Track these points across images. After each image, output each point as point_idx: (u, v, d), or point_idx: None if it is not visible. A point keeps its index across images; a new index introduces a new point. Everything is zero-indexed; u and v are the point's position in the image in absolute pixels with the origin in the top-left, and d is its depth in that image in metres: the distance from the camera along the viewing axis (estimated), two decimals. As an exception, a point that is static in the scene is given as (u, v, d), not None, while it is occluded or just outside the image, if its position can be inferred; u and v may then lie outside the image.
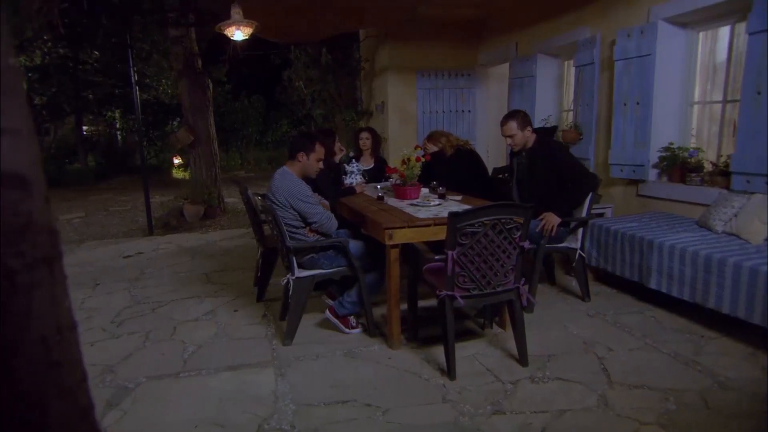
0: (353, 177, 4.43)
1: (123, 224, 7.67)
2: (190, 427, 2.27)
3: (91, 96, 14.40)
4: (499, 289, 2.67)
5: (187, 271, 4.84)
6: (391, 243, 2.82)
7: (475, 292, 2.63)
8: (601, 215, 4.26)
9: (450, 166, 4.09)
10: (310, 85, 14.51)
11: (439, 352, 2.90)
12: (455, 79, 7.21)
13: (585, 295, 3.64)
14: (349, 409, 2.39)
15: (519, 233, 2.58)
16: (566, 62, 5.80)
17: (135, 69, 6.16)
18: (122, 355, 3.03)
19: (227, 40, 5.26)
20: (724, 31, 3.89)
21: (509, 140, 3.53)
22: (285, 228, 3.00)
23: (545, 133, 3.65)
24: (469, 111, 7.30)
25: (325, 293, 3.70)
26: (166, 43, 6.86)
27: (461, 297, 2.59)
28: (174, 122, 15.16)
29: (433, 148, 4.16)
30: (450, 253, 2.51)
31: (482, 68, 7.23)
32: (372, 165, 4.83)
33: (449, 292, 2.59)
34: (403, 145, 6.77)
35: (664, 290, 3.24)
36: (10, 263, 0.57)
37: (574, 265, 3.60)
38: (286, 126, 16.88)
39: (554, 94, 5.89)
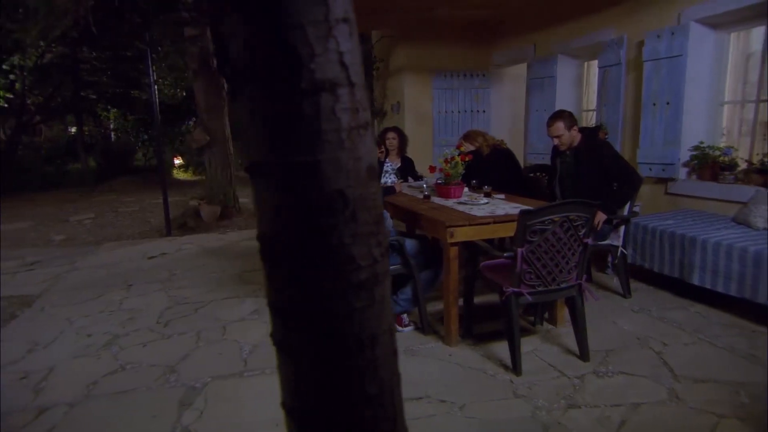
0: (388, 176, 4.46)
1: (135, 225, 7.60)
2: (270, 425, 2.28)
3: (92, 96, 14.19)
4: (562, 285, 2.72)
5: (217, 272, 4.82)
6: (452, 241, 2.85)
7: (540, 289, 2.68)
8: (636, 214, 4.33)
9: (487, 165, 4.13)
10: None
11: (497, 348, 2.94)
12: (470, 80, 7.27)
13: (626, 292, 3.70)
14: (425, 406, 2.41)
15: (584, 230, 2.63)
16: (586, 63, 5.89)
17: (154, 68, 6.10)
18: (179, 356, 3.02)
19: None
20: (758, 32, 3.98)
21: (556, 140, 3.59)
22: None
23: (590, 133, 3.71)
24: (484, 111, 7.36)
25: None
26: (183, 42, 6.79)
27: (527, 293, 2.64)
28: (189, 122, 15.00)
29: (469, 147, 4.20)
30: (519, 250, 2.55)
31: (497, 69, 7.30)
32: (399, 164, 4.86)
33: (516, 289, 2.63)
34: (420, 145, 6.83)
35: (708, 286, 3.31)
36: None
37: (615, 262, 3.67)
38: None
39: (574, 95, 5.97)
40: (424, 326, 3.19)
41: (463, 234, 2.87)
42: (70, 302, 4.04)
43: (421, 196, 3.71)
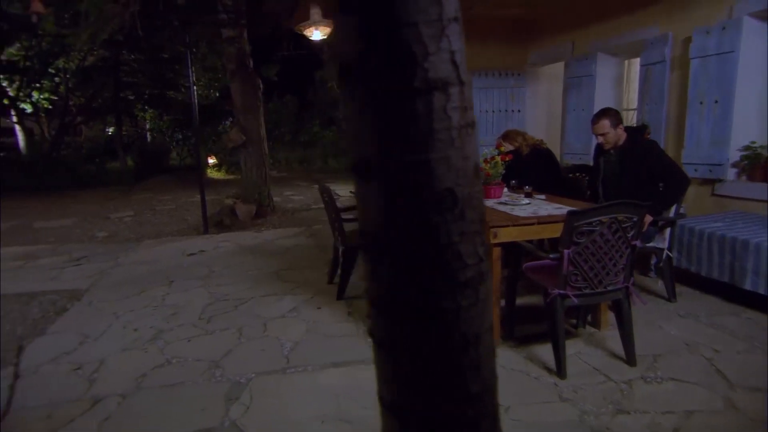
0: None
1: (173, 223, 7.78)
2: (317, 422, 2.30)
3: (131, 97, 14.62)
4: (609, 288, 2.66)
5: (255, 269, 4.89)
6: (495, 241, 2.82)
7: (586, 291, 2.63)
8: (683, 215, 4.21)
9: (526, 165, 4.08)
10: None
11: (539, 350, 2.90)
12: (505, 79, 7.19)
13: (671, 296, 3.60)
14: (469, 407, 2.40)
15: (633, 232, 2.57)
16: (627, 61, 5.75)
17: (192, 69, 6.24)
18: (223, 351, 3.07)
19: (277, 39, 5.33)
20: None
21: (601, 138, 3.52)
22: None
23: (636, 132, 3.62)
24: (519, 110, 7.27)
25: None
26: (221, 43, 6.93)
27: (573, 296, 2.59)
28: (226, 123, 15.34)
29: (509, 147, 4.16)
30: (566, 251, 2.50)
31: (532, 68, 7.20)
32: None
33: (561, 291, 2.59)
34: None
35: (762, 292, 3.19)
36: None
37: (660, 264, 3.57)
38: (317, 126, 16.98)
39: (614, 94, 5.84)
40: (464, 327, 3.16)
41: (506, 234, 2.84)
42: (116, 297, 4.16)
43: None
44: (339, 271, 3.99)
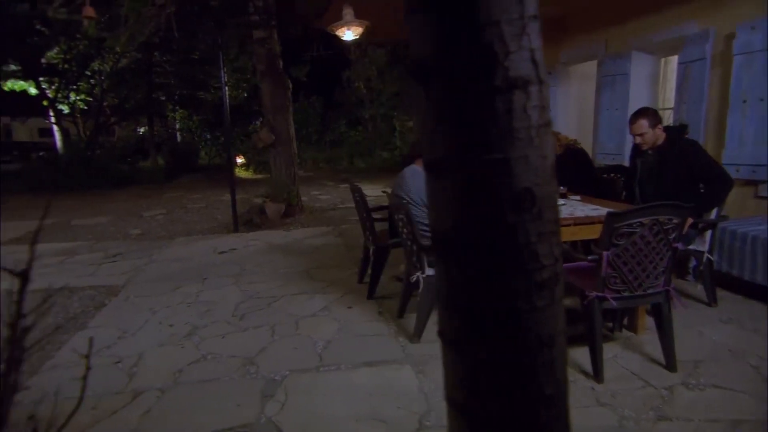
0: (456, 176, 4.42)
1: (203, 221, 7.92)
2: (352, 421, 2.31)
3: (162, 98, 14.95)
4: (649, 291, 2.60)
5: (285, 268, 4.94)
6: (531, 243, 2.78)
7: (625, 294, 2.57)
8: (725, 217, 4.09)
9: (560, 165, 4.00)
10: (370, 85, 14.66)
11: (575, 353, 2.84)
12: (535, 78, 7.11)
13: (711, 300, 3.50)
14: (504, 409, 2.37)
15: (674, 234, 2.50)
16: (664, 59, 5.61)
17: (225, 70, 6.34)
18: (257, 348, 3.11)
19: (307, 40, 5.37)
20: None
21: (638, 138, 3.44)
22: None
23: (676, 132, 3.53)
24: (549, 110, 7.17)
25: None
26: (252, 44, 7.02)
27: (611, 298, 2.54)
28: (256, 122, 15.58)
29: (542, 147, 4.09)
30: (605, 253, 2.45)
31: (563, 67, 7.09)
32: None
33: (600, 294, 2.54)
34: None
35: (809, 297, 3.07)
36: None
37: (700, 268, 3.47)
38: (343, 126, 17.06)
39: (649, 93, 5.71)
40: (497, 329, 3.13)
41: (542, 235, 2.80)
42: (151, 293, 4.25)
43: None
44: (369, 271, 4.01)
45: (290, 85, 7.46)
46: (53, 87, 14.92)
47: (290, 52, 8.01)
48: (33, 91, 15.88)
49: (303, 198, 8.90)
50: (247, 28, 6.59)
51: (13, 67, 14.62)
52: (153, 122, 16.24)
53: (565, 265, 2.93)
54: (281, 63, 7.34)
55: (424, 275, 3.06)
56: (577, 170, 4.04)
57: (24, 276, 0.70)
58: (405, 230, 3.11)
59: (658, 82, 5.69)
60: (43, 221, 0.85)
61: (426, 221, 3.08)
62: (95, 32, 4.75)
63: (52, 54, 13.74)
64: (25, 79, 15.07)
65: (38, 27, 11.67)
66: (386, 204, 4.52)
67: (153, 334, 3.37)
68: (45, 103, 15.72)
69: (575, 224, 2.82)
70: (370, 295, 3.90)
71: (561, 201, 3.36)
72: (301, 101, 17.26)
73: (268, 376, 2.75)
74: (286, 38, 7.44)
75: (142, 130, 21.98)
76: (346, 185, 12.09)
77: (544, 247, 0.57)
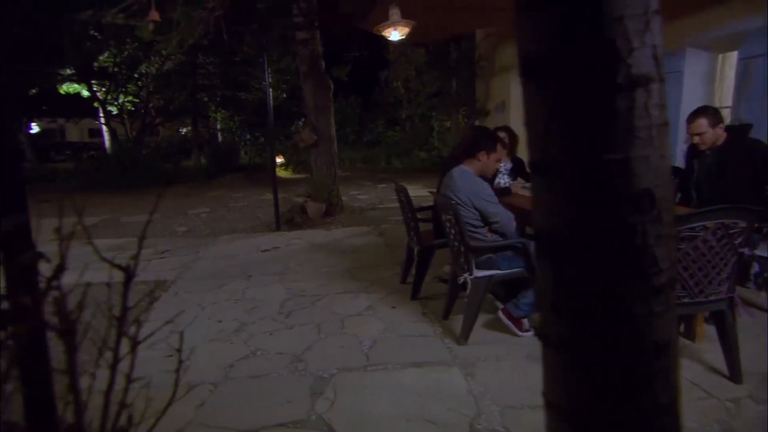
0: (501, 177, 4.36)
1: (245, 219, 8.08)
2: (402, 421, 2.30)
3: (205, 99, 15.37)
4: (711, 297, 2.49)
5: (327, 267, 4.98)
6: (584, 245, 2.71)
7: (685, 300, 2.47)
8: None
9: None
10: (408, 86, 14.64)
11: (629, 361, 2.76)
12: (581, 77, 6.95)
13: (775, 309, 3.33)
14: (557, 416, 2.32)
15: (740, 239, 2.39)
16: (721, 56, 5.38)
17: (270, 71, 6.45)
18: (304, 346, 3.14)
19: (348, 40, 5.40)
20: None
21: (697, 138, 3.30)
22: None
23: (739, 131, 3.37)
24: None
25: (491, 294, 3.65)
26: (296, 45, 7.12)
27: (672, 305, 2.44)
28: (298, 122, 15.87)
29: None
30: (666, 257, 2.36)
31: (611, 64, 6.91)
32: (510, 165, 4.73)
33: (659, 300, 2.45)
34: (524, 145, 6.63)
35: None
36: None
37: (765, 275, 3.31)
38: (381, 126, 17.11)
39: (704, 91, 5.48)
40: (546, 333, 3.07)
41: (596, 238, 2.72)
42: (199, 289, 4.37)
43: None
44: (412, 271, 4.00)
45: (332, 86, 7.53)
46: (104, 89, 15.56)
47: (331, 53, 8.09)
48: (85, 93, 16.62)
49: (342, 198, 8.97)
50: (290, 29, 6.69)
51: (68, 71, 15.35)
52: (196, 123, 16.70)
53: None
54: (323, 64, 7.42)
55: (472, 277, 3.03)
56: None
57: (127, 270, 0.72)
58: (453, 231, 3.09)
59: (714, 80, 5.46)
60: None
61: (474, 222, 3.04)
62: (150, 35, 4.93)
63: (104, 58, 14.32)
64: (78, 82, 15.78)
65: (92, 32, 12.19)
66: (430, 204, 4.50)
67: (203, 329, 3.46)
68: (96, 104, 16.41)
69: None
70: (414, 296, 3.88)
71: (614, 203, 3.26)
72: (340, 101, 17.41)
73: (316, 373, 2.77)
74: (328, 39, 7.52)
75: (184, 130, 22.66)
76: (384, 185, 12.12)
77: (663, 251, 0.55)
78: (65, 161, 24.53)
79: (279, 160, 15.85)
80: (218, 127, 21.07)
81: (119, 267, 0.73)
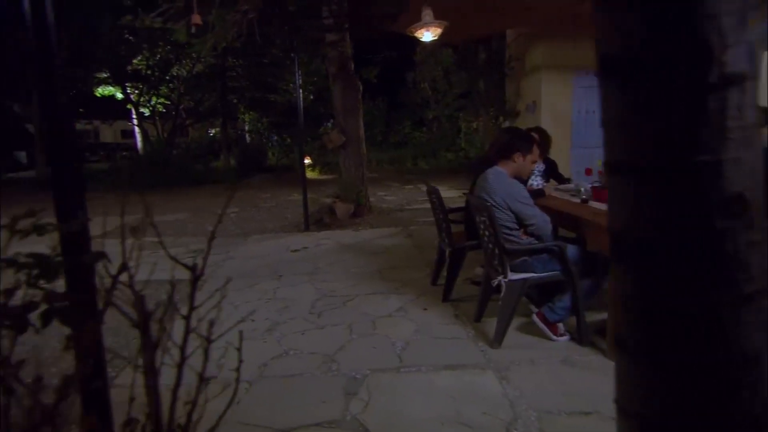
0: (534, 178, 4.30)
1: (273, 220, 8.17)
2: (437, 424, 2.29)
3: (234, 100, 15.62)
4: None
5: (357, 267, 5.00)
6: (623, 249, 2.66)
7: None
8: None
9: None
10: (435, 86, 14.60)
11: (670, 368, 2.69)
12: (614, 76, 6.81)
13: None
14: (596, 422, 2.27)
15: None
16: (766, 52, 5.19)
17: (300, 73, 6.52)
18: (336, 346, 3.16)
19: (376, 42, 5.40)
20: None
21: None
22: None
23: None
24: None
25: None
26: (325, 47, 7.18)
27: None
28: (327, 123, 16.04)
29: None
30: None
31: (646, 64, 6.76)
32: (543, 166, 4.67)
33: None
34: (555, 147, 6.53)
35: None
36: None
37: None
38: (408, 128, 17.11)
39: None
40: (582, 337, 3.01)
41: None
42: (231, 288, 4.43)
43: (577, 200, 3.53)
44: (444, 273, 3.98)
45: (361, 87, 7.56)
46: (137, 92, 15.97)
47: (360, 55, 8.12)
48: (119, 95, 17.08)
49: (370, 199, 9.00)
50: (320, 31, 6.75)
51: (103, 74, 15.81)
52: (226, 124, 17.00)
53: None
54: (352, 65, 7.46)
55: (506, 280, 3.00)
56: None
57: (194, 269, 0.73)
58: (487, 233, 3.06)
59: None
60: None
61: (509, 224, 3.01)
62: (185, 37, 5.05)
63: (137, 61, 14.70)
64: (113, 84, 16.22)
65: (127, 36, 12.53)
66: (459, 205, 4.48)
67: (236, 328, 3.50)
68: (129, 106, 16.85)
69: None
70: (446, 298, 3.86)
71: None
72: (367, 102, 17.47)
73: (349, 373, 2.78)
74: (356, 41, 7.56)
75: (212, 131, 23.08)
76: (411, 186, 12.11)
77: (754, 258, 0.52)
78: (99, 161, 25.29)
79: (306, 161, 16.00)
80: (246, 128, 21.40)
81: (186, 266, 0.74)
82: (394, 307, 3.82)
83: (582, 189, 3.53)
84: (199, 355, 1.06)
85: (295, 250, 5.85)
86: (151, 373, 0.85)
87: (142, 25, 5.42)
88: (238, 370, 1.05)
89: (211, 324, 0.91)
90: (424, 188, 11.40)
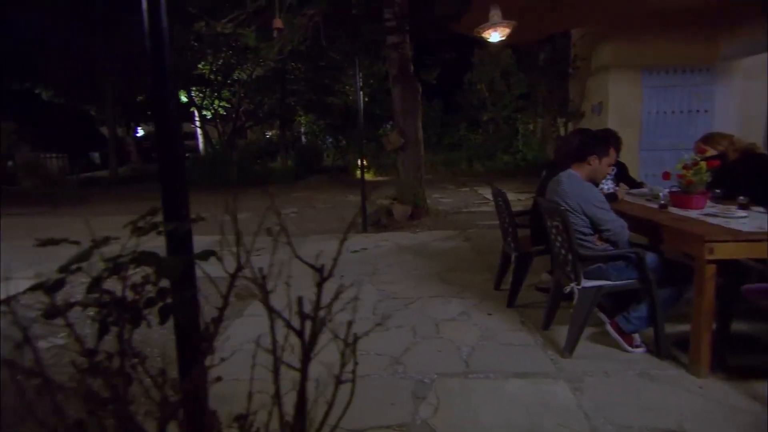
0: (606, 182, 4.13)
1: (331, 220, 8.29)
2: (510, 432, 2.24)
3: (293, 103, 16.00)
4: None
5: (416, 269, 4.98)
6: (711, 258, 2.50)
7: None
8: None
9: (734, 172, 3.58)
10: (493, 87, 14.38)
11: (760, 386, 2.51)
12: (689, 75, 6.44)
13: None
14: (682, 441, 2.15)
15: None
16: None
17: (360, 75, 6.58)
18: (401, 348, 3.15)
19: (440, 43, 5.34)
20: None
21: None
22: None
23: None
24: (706, 111, 6.47)
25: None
26: (385, 49, 7.21)
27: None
28: (387, 125, 16.23)
29: (711, 151, 3.68)
30: (815, 275, 2.12)
31: (725, 62, 6.34)
32: (614, 169, 4.48)
33: (804, 322, 2.20)
34: (623, 149, 6.27)
35: None
36: None
37: None
38: (464, 129, 16.94)
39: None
40: (660, 350, 2.86)
41: (725, 251, 2.50)
42: (295, 287, 4.50)
43: (654, 205, 3.36)
44: (508, 278, 3.89)
45: (420, 89, 7.55)
46: (200, 95, 16.66)
47: (418, 56, 8.11)
48: (183, 98, 17.86)
49: (426, 201, 8.96)
50: (382, 33, 6.79)
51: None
52: (285, 126, 17.43)
53: (753, 286, 2.59)
54: (412, 67, 7.45)
55: (579, 287, 2.89)
56: (757, 178, 3.56)
57: (321, 271, 0.74)
58: (559, 238, 2.96)
59: None
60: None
61: (584, 229, 2.91)
62: (254, 42, 5.22)
63: (201, 66, 15.33)
64: (179, 88, 16.99)
65: (193, 42, 13.10)
66: (523, 209, 4.38)
67: (282, 328, 3.56)
68: (192, 109, 17.60)
69: (770, 240, 2.48)
70: (510, 303, 3.78)
71: (743, 213, 2.98)
72: (422, 104, 17.42)
73: (416, 377, 2.77)
74: (419, 42, 7.55)
75: (269, 133, 23.72)
76: (467, 189, 11.97)
77: None
78: (164, 162, 26.49)
79: (361, 162, 16.15)
80: (302, 130, 21.86)
81: (314, 268, 0.75)
82: (457, 311, 3.78)
83: (660, 194, 3.35)
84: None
85: (355, 251, 5.90)
86: (305, 376, 0.88)
87: (213, 31, 5.65)
88: (353, 373, 1.06)
89: (349, 325, 0.93)
90: (480, 191, 11.23)
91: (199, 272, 1.34)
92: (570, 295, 2.99)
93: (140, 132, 26.60)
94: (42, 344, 3.38)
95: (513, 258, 3.79)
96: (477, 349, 3.11)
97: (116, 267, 0.97)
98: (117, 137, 18.51)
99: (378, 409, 2.47)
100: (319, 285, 0.75)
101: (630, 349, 2.94)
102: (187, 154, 23.15)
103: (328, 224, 7.92)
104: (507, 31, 4.38)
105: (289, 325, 0.94)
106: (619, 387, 2.61)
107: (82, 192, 13.91)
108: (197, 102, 16.99)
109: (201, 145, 19.41)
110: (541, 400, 2.50)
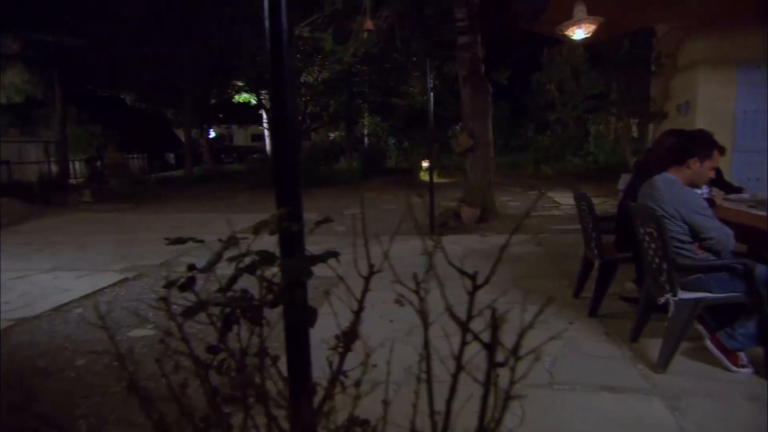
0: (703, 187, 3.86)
1: (397, 221, 8.28)
2: (604, 451, 2.12)
3: (360, 105, 16.23)
4: None
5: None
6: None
7: None
8: None
9: None
10: (562, 88, 13.90)
11: None
12: (791, 71, 5.91)
13: None
14: (804, 474, 1.94)
15: None
16: None
17: (432, 76, 6.53)
18: (482, 355, 3.07)
19: (505, 44, 5.18)
20: None
21: None
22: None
23: None
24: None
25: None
26: (456, 50, 7.13)
27: None
28: (456, 126, 16.22)
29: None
30: None
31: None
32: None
33: None
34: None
35: None
36: None
37: None
38: (531, 131, 16.50)
39: None
40: (770, 371, 2.62)
41: None
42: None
43: (760, 212, 3.09)
44: (590, 286, 3.71)
45: (491, 90, 7.40)
46: (270, 98, 17.26)
47: (489, 56, 7.95)
48: (253, 101, 18.56)
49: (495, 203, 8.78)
50: (454, 34, 6.71)
51: (239, 83, 17.30)
52: (351, 127, 17.71)
53: None
54: (483, 67, 7.32)
55: (675, 298, 2.70)
56: None
57: (473, 278, 0.70)
58: (653, 246, 2.78)
59: None
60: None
61: (682, 237, 2.71)
62: (332, 45, 5.32)
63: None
64: (249, 92, 17.68)
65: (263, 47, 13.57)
66: (607, 214, 4.17)
67: (376, 328, 3.57)
68: (261, 111, 18.24)
69: None
70: (592, 313, 3.60)
71: None
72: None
73: (499, 385, 2.68)
74: (491, 42, 7.40)
75: (332, 135, 24.19)
76: (535, 192, 11.63)
77: None
78: (233, 163, 27.72)
79: (425, 164, 16.09)
80: (365, 132, 22.11)
81: (467, 275, 0.72)
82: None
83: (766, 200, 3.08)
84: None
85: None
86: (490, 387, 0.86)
87: (297, 34, 5.79)
88: (428, 374, 1.02)
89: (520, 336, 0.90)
90: (549, 194, 10.86)
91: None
92: (663, 307, 2.80)
93: (212, 134, 27.90)
94: (132, 333, 3.59)
95: (596, 265, 3.61)
96: (560, 360, 2.97)
97: (250, 266, 0.99)
98: (191, 139, 19.51)
99: (461, 415, 2.40)
100: (472, 293, 0.71)
101: (734, 368, 2.70)
102: (254, 156, 24.03)
103: (394, 225, 7.92)
104: (592, 27, 4.19)
105: (476, 337, 0.91)
106: (725, 410, 2.40)
107: (160, 190, 14.77)
108: (266, 105, 17.58)
109: (268, 147, 20.08)
110: (634, 416, 2.35)
